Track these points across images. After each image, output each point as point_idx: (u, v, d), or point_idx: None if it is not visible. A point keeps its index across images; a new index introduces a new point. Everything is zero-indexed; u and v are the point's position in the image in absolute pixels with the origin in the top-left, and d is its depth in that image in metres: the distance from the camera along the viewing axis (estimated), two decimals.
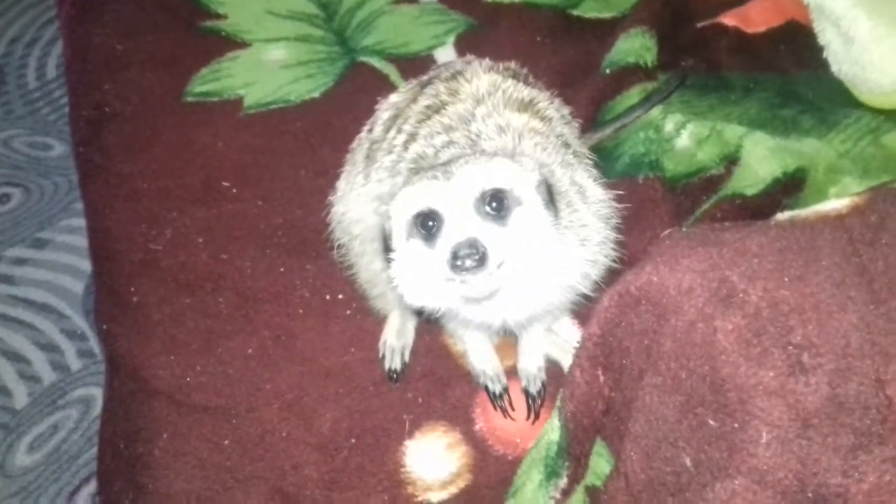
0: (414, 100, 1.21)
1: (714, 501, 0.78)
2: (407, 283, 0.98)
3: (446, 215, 0.94)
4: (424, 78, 1.26)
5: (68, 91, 1.85)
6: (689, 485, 0.80)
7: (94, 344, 2.25)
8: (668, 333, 0.83)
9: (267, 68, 1.67)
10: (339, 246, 1.28)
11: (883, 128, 1.49)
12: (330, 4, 1.80)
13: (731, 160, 1.45)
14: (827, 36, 1.58)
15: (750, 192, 1.38)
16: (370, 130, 1.27)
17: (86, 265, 2.41)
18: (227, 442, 1.20)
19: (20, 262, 2.41)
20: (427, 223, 0.95)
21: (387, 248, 1.00)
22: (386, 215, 1.00)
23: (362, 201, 1.21)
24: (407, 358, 1.27)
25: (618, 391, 0.93)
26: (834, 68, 1.57)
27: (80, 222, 2.52)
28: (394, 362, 1.26)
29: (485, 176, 0.95)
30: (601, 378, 0.94)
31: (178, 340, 1.30)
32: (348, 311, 1.32)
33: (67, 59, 1.86)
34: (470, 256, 0.89)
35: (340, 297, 1.33)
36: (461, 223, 0.92)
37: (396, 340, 1.28)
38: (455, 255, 0.90)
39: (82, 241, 2.47)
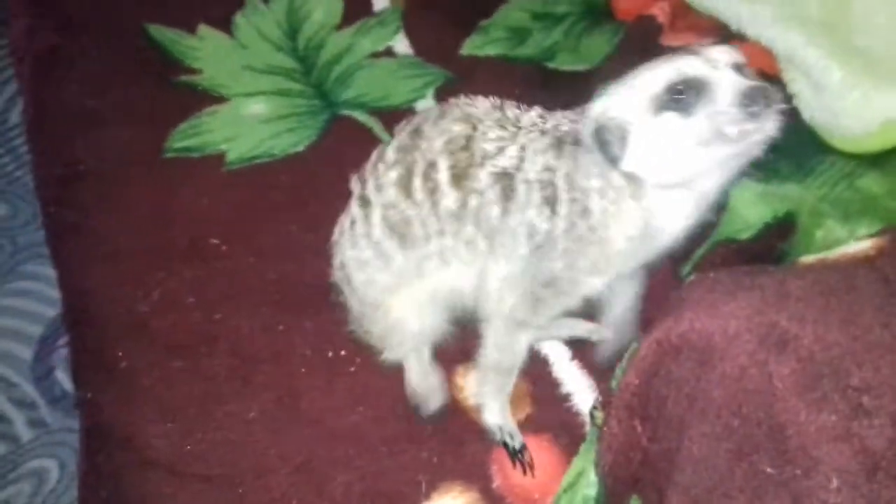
0: (413, 148, 1.18)
1: None
2: (653, 160, 1.02)
3: (713, 78, 0.98)
4: (403, 135, 1.22)
5: (32, 150, 1.78)
6: None
7: (45, 413, 2.16)
8: (716, 381, 0.83)
9: (247, 123, 1.64)
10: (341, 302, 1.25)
11: (857, 172, 1.55)
12: (307, 58, 1.79)
13: (718, 206, 1.48)
14: (797, 85, 1.63)
15: (743, 236, 1.41)
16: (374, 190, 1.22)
17: (34, 330, 2.33)
18: None
19: None
20: (682, 94, 0.99)
21: (607, 153, 1.04)
22: (602, 116, 1.05)
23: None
24: (445, 397, 1.25)
25: (656, 442, 0.91)
26: (805, 115, 1.62)
27: (27, 285, 2.44)
28: (431, 403, 1.23)
29: (732, 52, 1.03)
30: (639, 429, 0.92)
31: (173, 406, 1.24)
32: (352, 368, 1.28)
33: (30, 117, 1.79)
34: (761, 94, 0.96)
35: (343, 353, 1.29)
36: (731, 82, 0.98)
37: (424, 381, 1.25)
38: (745, 96, 0.96)
39: (29, 305, 2.39)
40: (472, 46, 1.84)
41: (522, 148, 1.12)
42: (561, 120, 1.15)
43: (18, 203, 2.56)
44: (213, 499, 1.15)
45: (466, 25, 1.87)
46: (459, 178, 1.13)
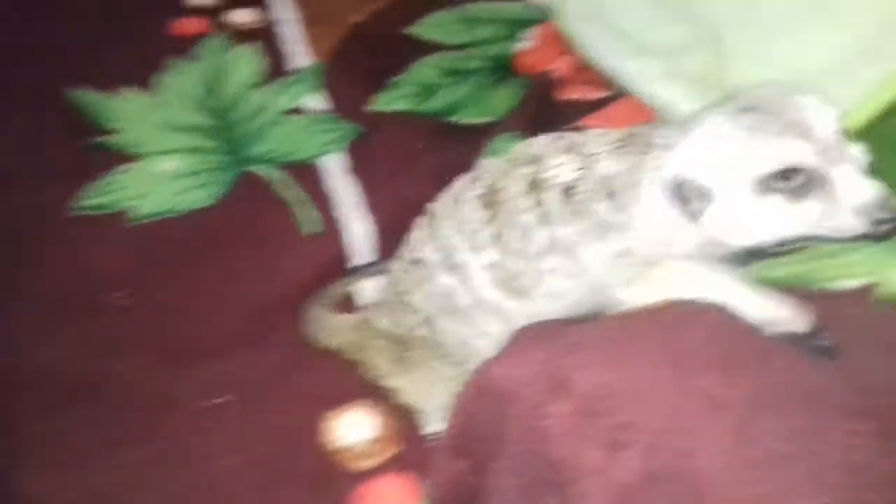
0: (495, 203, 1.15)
1: None
2: (740, 229, 1.01)
3: (832, 175, 0.95)
4: (480, 191, 1.18)
5: None
6: None
7: None
8: (512, 421, 0.91)
9: (158, 180, 1.73)
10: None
11: None
12: (224, 116, 1.88)
13: None
14: None
15: None
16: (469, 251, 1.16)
17: None
18: None
19: None
20: (791, 181, 0.95)
21: (686, 209, 1.02)
22: (681, 175, 1.02)
23: None
24: None
25: (476, 476, 0.99)
26: None
27: None
28: None
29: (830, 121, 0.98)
30: (461, 466, 1.00)
31: (65, 452, 1.30)
32: (232, 415, 1.35)
33: None
34: (889, 208, 0.94)
35: (223, 400, 1.36)
36: (854, 185, 0.94)
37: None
38: (875, 208, 0.94)
39: None
40: (382, 102, 1.93)
41: (588, 158, 1.10)
42: (630, 135, 1.13)
43: None
44: None
45: (381, 82, 1.97)
46: (542, 214, 1.11)
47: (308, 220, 1.65)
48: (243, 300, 1.50)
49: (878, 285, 0.98)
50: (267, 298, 1.50)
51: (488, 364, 0.96)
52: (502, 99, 1.94)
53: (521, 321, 1.10)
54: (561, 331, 0.97)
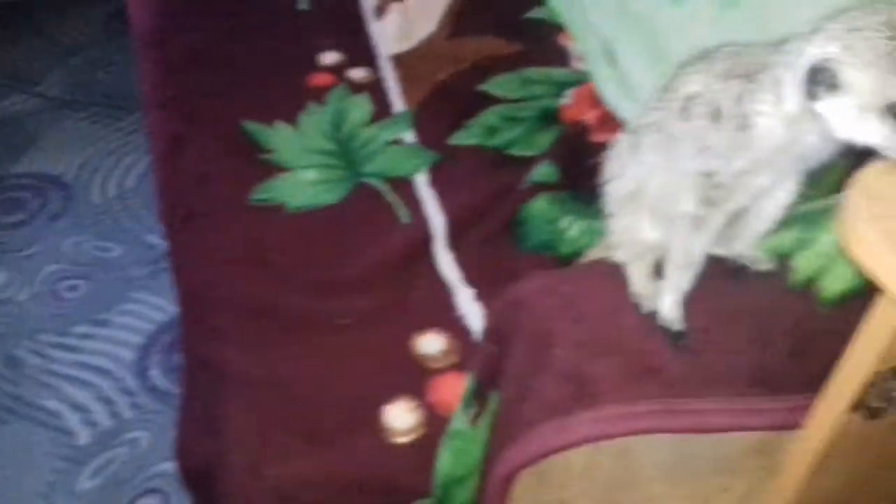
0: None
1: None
2: (854, 125, 1.00)
3: None
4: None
5: (161, 202, 2.67)
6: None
7: (140, 399, 2.96)
8: (525, 319, 1.60)
9: (302, 185, 2.46)
10: None
11: None
12: (345, 144, 2.61)
13: None
14: None
15: None
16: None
17: (137, 339, 3.14)
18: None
19: (85, 336, 3.15)
20: None
21: (810, 90, 1.02)
22: (823, 61, 0.99)
23: None
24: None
25: (501, 358, 1.67)
26: None
27: (134, 307, 3.29)
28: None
29: None
30: (492, 350, 1.64)
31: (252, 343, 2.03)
32: (353, 331, 2.10)
33: (160, 180, 2.70)
34: None
35: (348, 321, 2.11)
36: None
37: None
38: None
39: (135, 322, 3.23)
40: (458, 138, 2.61)
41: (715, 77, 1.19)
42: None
43: (131, 246, 3.52)
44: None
45: (457, 124, 2.67)
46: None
47: (403, 215, 2.39)
48: (361, 262, 2.23)
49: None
50: (376, 261, 2.23)
51: (516, 286, 1.67)
52: (545, 139, 2.62)
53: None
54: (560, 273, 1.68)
